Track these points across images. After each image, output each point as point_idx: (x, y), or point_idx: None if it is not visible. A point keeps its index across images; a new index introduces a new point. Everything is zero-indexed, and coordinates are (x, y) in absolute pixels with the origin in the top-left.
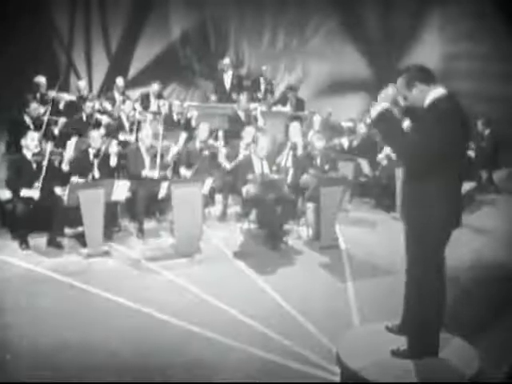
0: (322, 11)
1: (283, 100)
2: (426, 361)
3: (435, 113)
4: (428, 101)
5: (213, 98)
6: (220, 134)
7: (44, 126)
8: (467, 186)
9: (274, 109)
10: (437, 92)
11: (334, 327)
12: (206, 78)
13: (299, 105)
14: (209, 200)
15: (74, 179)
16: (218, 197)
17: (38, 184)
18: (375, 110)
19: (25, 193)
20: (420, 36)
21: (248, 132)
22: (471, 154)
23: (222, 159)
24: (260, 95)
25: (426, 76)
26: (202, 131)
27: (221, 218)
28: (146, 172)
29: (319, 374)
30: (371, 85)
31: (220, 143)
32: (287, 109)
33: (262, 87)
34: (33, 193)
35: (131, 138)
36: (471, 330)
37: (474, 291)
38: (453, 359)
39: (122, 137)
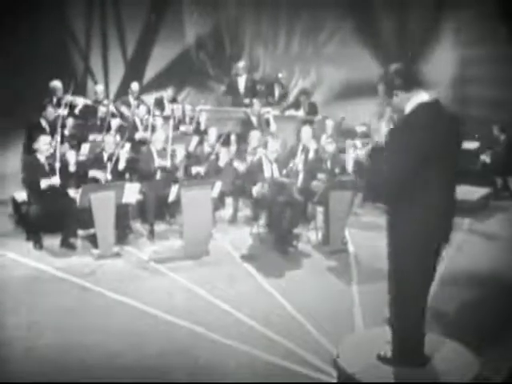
0: (337, 16)
1: (296, 104)
2: (423, 366)
3: (414, 121)
4: (408, 109)
5: (222, 96)
6: (233, 137)
7: (59, 129)
8: (481, 192)
9: (287, 113)
10: (417, 99)
11: (336, 331)
12: (221, 82)
13: (312, 109)
14: (219, 203)
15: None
16: (229, 200)
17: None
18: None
19: (45, 183)
20: (436, 40)
21: (253, 136)
22: (486, 159)
23: (222, 163)
24: (274, 100)
25: (404, 82)
26: (211, 135)
27: (231, 221)
28: (158, 162)
29: (320, 376)
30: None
31: (232, 147)
32: (300, 113)
33: (277, 92)
34: (54, 180)
35: (146, 135)
36: (479, 335)
37: (483, 297)
38: (451, 364)
39: (138, 135)
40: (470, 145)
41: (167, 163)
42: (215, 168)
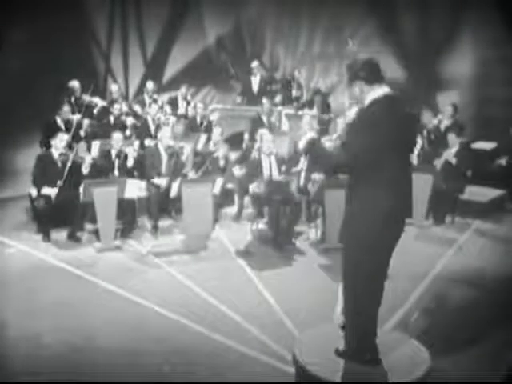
0: (359, 14)
1: (310, 103)
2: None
3: (369, 113)
4: (367, 101)
5: (238, 100)
6: (246, 136)
7: (73, 129)
8: (494, 194)
9: (300, 112)
10: (376, 93)
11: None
12: (241, 81)
13: (325, 108)
14: (224, 200)
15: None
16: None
17: (60, 182)
18: (303, 141)
19: (45, 191)
20: (456, 39)
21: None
22: (502, 161)
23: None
24: (290, 99)
25: (368, 74)
26: (215, 134)
27: (235, 218)
28: (156, 180)
29: (289, 370)
30: (407, 88)
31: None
32: (313, 112)
33: (293, 91)
34: (52, 191)
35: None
36: (475, 334)
37: (478, 296)
38: (402, 360)
39: (147, 142)
40: (486, 145)
41: (162, 183)
42: (216, 166)
